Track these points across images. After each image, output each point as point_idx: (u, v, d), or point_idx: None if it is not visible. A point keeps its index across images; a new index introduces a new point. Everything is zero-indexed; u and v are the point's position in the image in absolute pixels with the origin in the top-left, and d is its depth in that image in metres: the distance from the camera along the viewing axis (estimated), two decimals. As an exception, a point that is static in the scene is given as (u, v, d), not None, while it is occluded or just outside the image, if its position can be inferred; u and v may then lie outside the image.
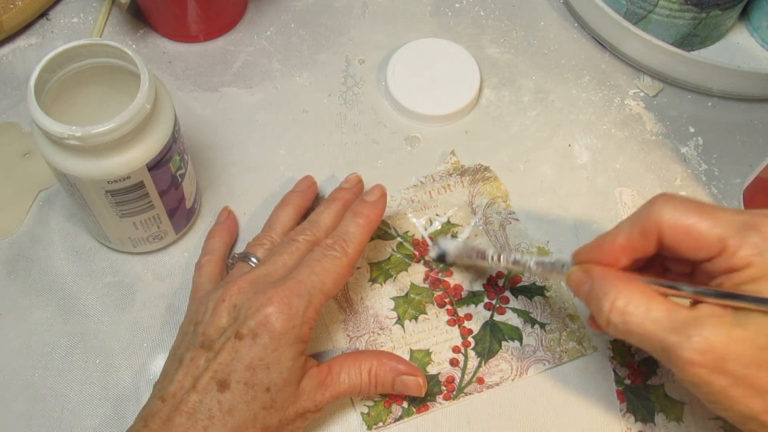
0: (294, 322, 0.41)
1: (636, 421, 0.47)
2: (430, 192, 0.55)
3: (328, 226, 0.47)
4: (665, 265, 0.42)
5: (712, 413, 0.47)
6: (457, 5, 0.64)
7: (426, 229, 0.53)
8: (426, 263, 0.52)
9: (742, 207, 0.55)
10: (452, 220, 0.53)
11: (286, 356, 0.41)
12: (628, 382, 0.48)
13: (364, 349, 0.48)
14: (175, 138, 0.44)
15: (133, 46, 0.61)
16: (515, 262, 0.46)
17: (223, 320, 0.42)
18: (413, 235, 0.53)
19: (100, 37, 0.61)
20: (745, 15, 0.64)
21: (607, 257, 0.39)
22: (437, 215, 0.54)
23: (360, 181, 0.51)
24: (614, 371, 0.49)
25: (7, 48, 0.60)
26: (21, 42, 0.60)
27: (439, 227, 0.53)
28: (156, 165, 0.43)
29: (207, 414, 0.39)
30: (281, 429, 0.42)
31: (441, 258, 0.51)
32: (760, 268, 0.35)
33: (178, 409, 0.39)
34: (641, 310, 0.36)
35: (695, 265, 0.39)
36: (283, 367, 0.41)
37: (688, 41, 0.61)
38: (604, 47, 0.62)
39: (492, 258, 0.47)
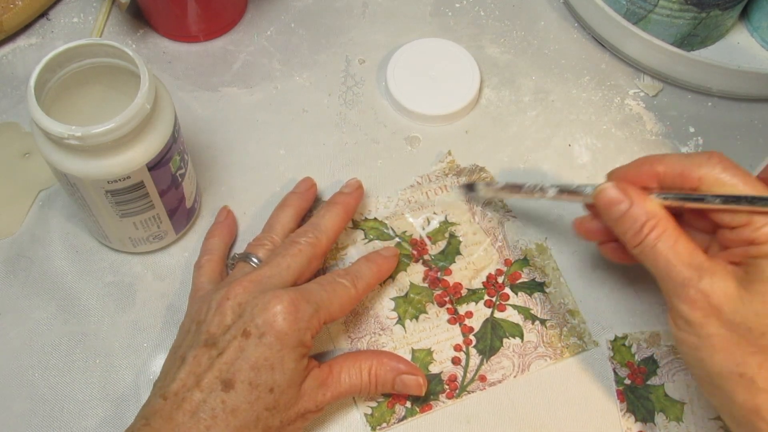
0: (299, 325, 0.41)
1: (636, 421, 0.47)
2: (426, 192, 0.55)
3: (329, 229, 0.47)
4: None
5: (712, 413, 0.47)
6: (457, 5, 0.64)
7: (424, 229, 0.53)
8: (425, 263, 0.52)
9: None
10: (450, 219, 0.53)
11: (290, 358, 0.41)
12: (628, 382, 0.48)
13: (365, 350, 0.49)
14: (175, 138, 0.44)
15: (133, 46, 0.61)
16: (542, 190, 0.46)
17: (227, 318, 0.42)
18: (411, 235, 0.53)
19: (100, 37, 0.61)
20: (745, 15, 0.64)
21: (639, 179, 0.41)
22: (435, 214, 0.54)
23: (360, 186, 0.52)
24: (614, 371, 0.49)
25: (7, 48, 0.60)
26: (21, 42, 0.60)
27: (437, 226, 0.53)
28: (156, 165, 0.43)
29: (210, 413, 0.39)
30: (282, 429, 0.42)
31: (470, 187, 0.52)
32: None
33: (180, 407, 0.39)
34: (671, 240, 0.39)
35: (713, 239, 0.41)
36: (286, 368, 0.41)
37: (688, 41, 0.61)
38: (604, 47, 0.62)
39: (525, 189, 0.48)
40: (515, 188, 0.49)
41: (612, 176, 0.44)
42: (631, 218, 0.40)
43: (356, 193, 0.51)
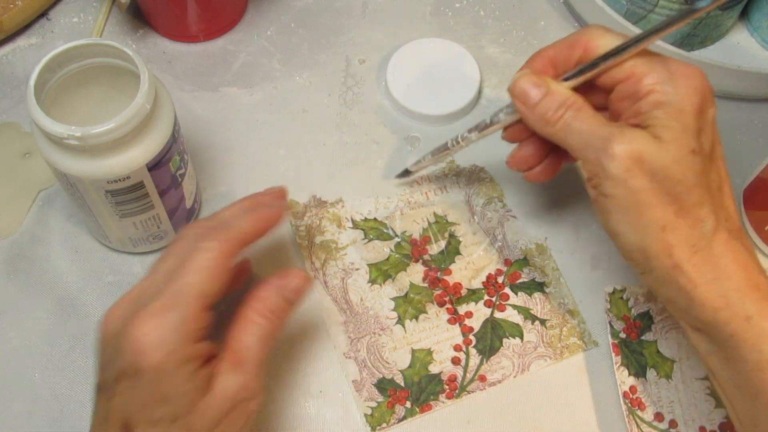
0: (171, 345, 0.35)
1: (629, 375, 0.48)
2: (426, 193, 0.55)
3: (242, 230, 0.40)
4: None
5: (700, 373, 0.48)
6: (457, 5, 0.64)
7: (424, 229, 0.53)
8: (425, 263, 0.52)
9: (742, 207, 0.55)
10: (449, 219, 0.53)
11: (180, 380, 0.35)
12: (623, 335, 0.49)
13: (364, 352, 0.48)
14: (175, 138, 0.44)
15: (133, 46, 0.61)
16: (464, 139, 0.48)
17: (106, 357, 0.37)
18: (411, 235, 0.53)
19: (100, 37, 0.61)
20: (745, 15, 0.64)
21: (537, 66, 0.43)
22: (434, 214, 0.54)
23: (282, 192, 0.45)
24: (610, 324, 0.49)
25: (7, 48, 0.60)
26: (21, 42, 0.60)
27: (436, 225, 0.53)
28: (156, 165, 0.43)
29: None
30: None
31: (405, 172, 0.53)
32: (661, 95, 0.38)
33: None
34: (589, 112, 0.40)
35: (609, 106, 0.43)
36: (181, 392, 0.36)
37: (688, 41, 0.61)
38: (604, 47, 0.62)
39: (450, 144, 0.49)
40: (440, 149, 0.50)
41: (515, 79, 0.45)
42: (550, 100, 0.41)
43: (278, 194, 0.45)
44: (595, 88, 0.42)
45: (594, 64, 0.41)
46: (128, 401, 0.36)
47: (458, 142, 0.48)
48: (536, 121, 0.41)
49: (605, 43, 0.41)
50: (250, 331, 0.39)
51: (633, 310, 0.50)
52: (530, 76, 0.42)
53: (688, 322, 0.41)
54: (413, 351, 0.49)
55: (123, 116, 0.40)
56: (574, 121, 0.40)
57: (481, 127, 0.46)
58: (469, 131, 0.47)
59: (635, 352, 0.49)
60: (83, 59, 0.43)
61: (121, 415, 0.36)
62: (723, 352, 0.39)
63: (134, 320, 0.36)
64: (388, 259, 0.52)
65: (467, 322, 0.50)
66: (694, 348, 0.41)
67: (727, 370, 0.40)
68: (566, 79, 0.42)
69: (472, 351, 0.49)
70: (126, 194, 0.43)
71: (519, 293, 0.51)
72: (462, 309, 0.50)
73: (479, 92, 0.59)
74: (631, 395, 0.47)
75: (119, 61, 0.43)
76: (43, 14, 0.62)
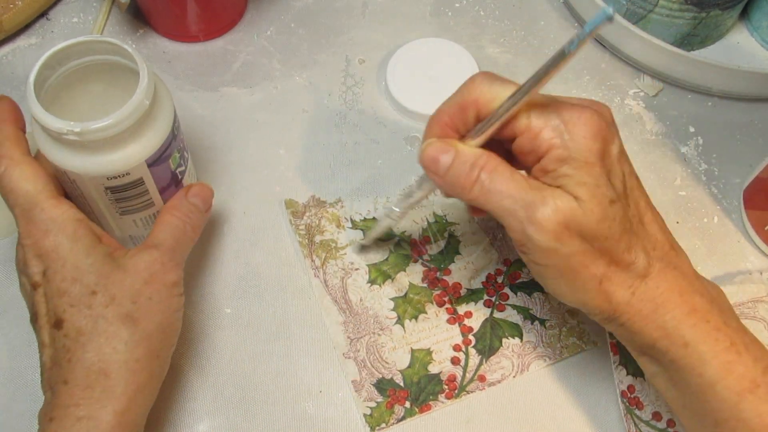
0: (35, 182, 0.41)
1: (627, 374, 0.47)
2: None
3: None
4: None
5: None
6: (457, 5, 0.64)
7: (423, 229, 0.53)
8: (424, 263, 0.52)
9: (742, 207, 0.55)
10: (449, 219, 0.53)
11: (80, 254, 0.40)
12: None
13: (364, 352, 0.48)
14: (174, 135, 0.44)
15: (133, 46, 0.61)
16: (392, 212, 0.47)
17: (19, 263, 0.43)
18: (410, 235, 0.53)
19: (100, 37, 0.61)
20: (745, 15, 0.64)
21: (438, 133, 0.41)
22: (434, 214, 0.53)
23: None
24: None
25: (7, 48, 0.60)
26: (21, 42, 0.61)
27: (436, 225, 0.53)
28: (155, 161, 0.43)
29: (65, 355, 0.39)
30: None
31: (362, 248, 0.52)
32: (563, 150, 0.37)
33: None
34: (507, 173, 0.38)
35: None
36: (87, 264, 0.40)
37: (688, 41, 0.61)
38: (604, 47, 0.62)
39: (388, 216, 0.48)
40: (380, 228, 0.49)
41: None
42: (460, 163, 0.39)
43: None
44: (502, 141, 0.40)
45: (490, 120, 0.39)
46: (47, 293, 0.40)
47: (390, 218, 0.47)
48: (452, 189, 0.40)
49: (493, 95, 0.39)
50: (162, 227, 0.44)
51: None
52: (436, 143, 0.40)
53: (633, 348, 0.42)
54: (412, 351, 0.48)
55: (122, 112, 0.40)
56: (492, 185, 0.38)
57: (405, 201, 0.46)
58: (395, 205, 0.46)
59: None
60: (83, 56, 0.43)
61: (47, 310, 0.40)
62: (667, 374, 0.40)
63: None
64: (387, 259, 0.52)
65: (467, 322, 0.50)
66: (642, 369, 0.42)
67: (672, 390, 0.41)
68: (470, 138, 0.40)
69: (472, 351, 0.49)
70: (125, 191, 0.43)
71: (518, 293, 0.51)
72: (461, 309, 0.50)
73: (479, 92, 0.59)
74: (629, 394, 0.47)
75: (119, 58, 0.43)
76: (43, 14, 0.62)
